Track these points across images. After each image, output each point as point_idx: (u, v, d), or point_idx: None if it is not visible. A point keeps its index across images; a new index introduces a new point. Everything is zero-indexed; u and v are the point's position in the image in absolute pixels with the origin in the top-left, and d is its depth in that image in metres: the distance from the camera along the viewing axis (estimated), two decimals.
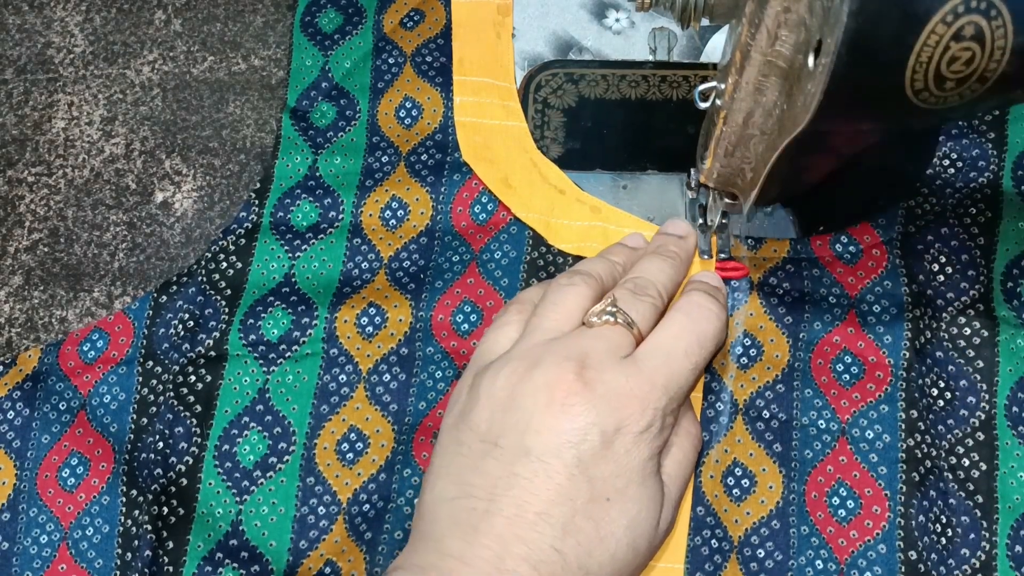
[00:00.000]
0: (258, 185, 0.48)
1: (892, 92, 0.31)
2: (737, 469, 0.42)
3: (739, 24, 0.36)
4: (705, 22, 0.38)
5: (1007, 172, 0.45)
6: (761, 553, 0.41)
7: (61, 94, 0.52)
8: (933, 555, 0.40)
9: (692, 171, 0.45)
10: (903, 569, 0.40)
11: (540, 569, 0.35)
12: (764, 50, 0.34)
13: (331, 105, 0.49)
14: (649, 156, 0.49)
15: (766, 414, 0.43)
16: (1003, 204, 0.44)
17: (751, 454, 0.42)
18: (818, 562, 0.41)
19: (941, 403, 0.42)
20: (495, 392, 0.38)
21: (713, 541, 0.42)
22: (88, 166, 0.51)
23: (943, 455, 0.41)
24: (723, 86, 0.38)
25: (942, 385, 0.42)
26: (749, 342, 0.44)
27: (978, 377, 0.42)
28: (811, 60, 0.31)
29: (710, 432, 0.43)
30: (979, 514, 0.40)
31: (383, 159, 0.48)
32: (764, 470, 0.42)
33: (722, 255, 0.45)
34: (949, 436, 0.41)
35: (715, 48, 0.51)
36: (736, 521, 0.42)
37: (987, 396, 0.41)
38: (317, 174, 0.48)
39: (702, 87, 0.39)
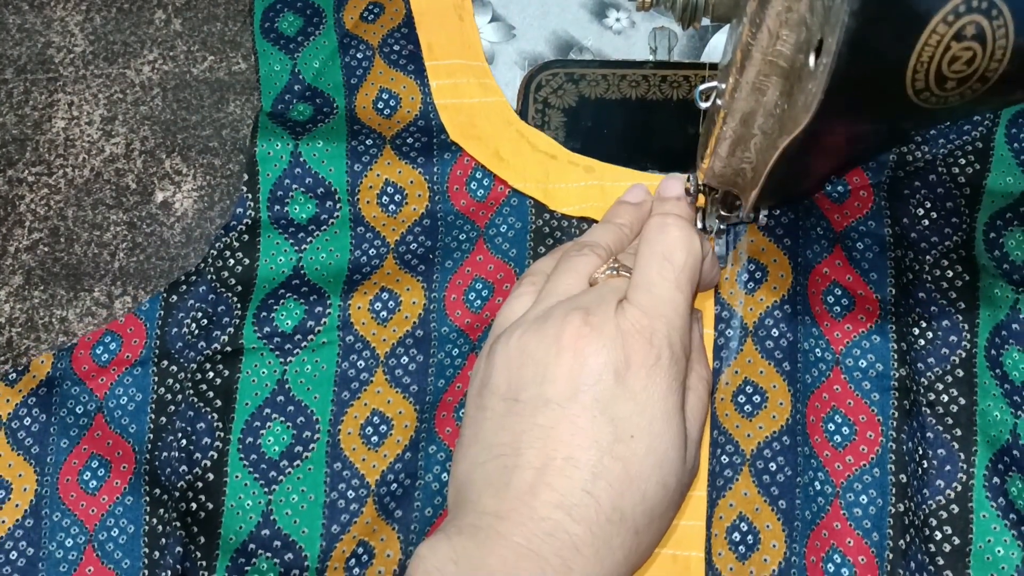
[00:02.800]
0: (246, 177, 0.48)
1: (893, 92, 0.31)
2: (748, 387, 0.44)
3: (740, 24, 0.36)
4: (706, 22, 0.38)
5: (1000, 129, 0.45)
6: (773, 467, 0.43)
7: (61, 94, 0.52)
8: (915, 481, 0.41)
9: (690, 176, 0.45)
10: (894, 491, 0.41)
11: (573, 513, 0.35)
12: (765, 50, 0.34)
13: (307, 105, 0.49)
14: (649, 156, 0.49)
15: (775, 332, 0.44)
16: (992, 159, 0.45)
17: (761, 372, 0.44)
18: (816, 484, 0.42)
19: (922, 341, 0.43)
20: (510, 352, 0.38)
21: (724, 457, 0.43)
22: (88, 166, 0.51)
23: (922, 390, 0.42)
24: (724, 86, 0.38)
25: (924, 324, 0.43)
26: (754, 266, 0.45)
27: (960, 318, 0.43)
28: (812, 60, 0.31)
29: (720, 359, 0.44)
30: (956, 447, 0.41)
31: (367, 142, 0.49)
32: (775, 387, 0.43)
33: (720, 263, 0.45)
34: (929, 373, 0.43)
35: (715, 48, 0.51)
36: (748, 435, 0.43)
37: (968, 336, 0.43)
38: (301, 159, 0.48)
39: (703, 87, 0.39)
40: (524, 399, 0.37)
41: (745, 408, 0.43)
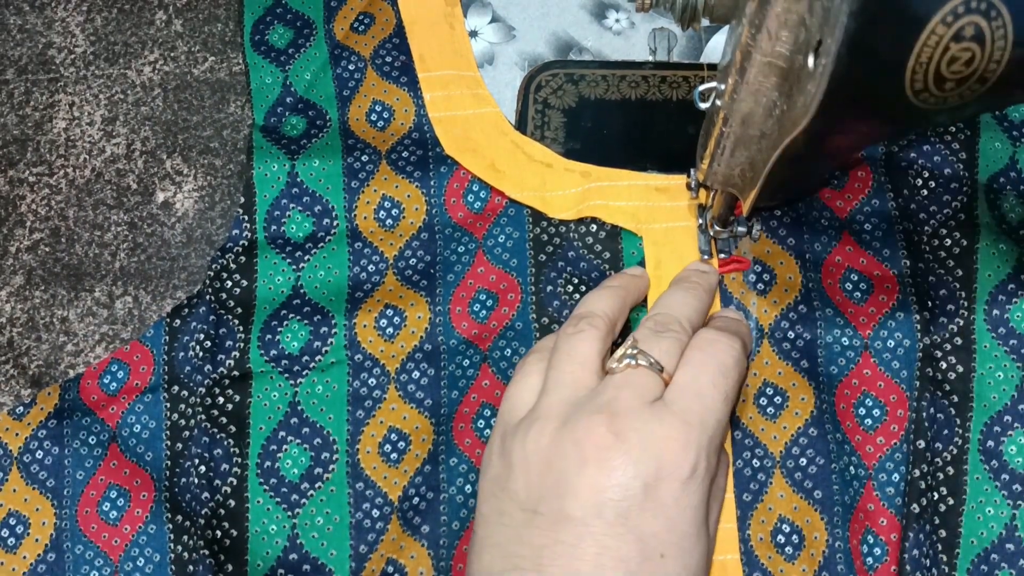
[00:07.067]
0: (242, 200, 0.48)
1: (892, 93, 0.31)
2: (768, 389, 0.44)
3: (739, 25, 0.36)
4: (705, 23, 0.39)
5: None
6: (803, 461, 0.43)
7: (62, 94, 0.52)
8: (930, 445, 0.42)
9: (692, 171, 0.46)
10: (912, 459, 0.42)
11: None
12: (764, 50, 0.34)
13: (300, 117, 0.49)
14: (649, 156, 0.49)
15: (791, 335, 0.44)
16: (980, 124, 0.46)
17: (780, 373, 0.44)
18: (851, 468, 0.43)
19: (929, 306, 0.44)
20: (528, 456, 0.37)
21: (755, 461, 0.43)
22: (89, 166, 0.51)
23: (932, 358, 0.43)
24: (723, 86, 0.38)
25: (931, 294, 0.44)
26: (760, 268, 0.45)
27: (957, 285, 0.43)
28: (811, 60, 0.31)
29: None
30: (953, 412, 0.42)
31: (363, 158, 0.48)
32: (794, 385, 0.44)
33: (722, 255, 0.45)
34: (932, 340, 0.43)
35: (715, 49, 0.52)
36: (775, 437, 0.43)
37: (966, 303, 0.43)
38: (299, 179, 0.48)
39: (702, 87, 0.39)
40: (544, 511, 0.35)
41: (768, 410, 0.43)
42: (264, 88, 0.50)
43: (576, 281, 0.46)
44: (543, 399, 0.38)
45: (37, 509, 0.45)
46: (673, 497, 0.35)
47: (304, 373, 0.45)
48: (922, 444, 0.42)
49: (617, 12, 0.52)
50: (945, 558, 0.41)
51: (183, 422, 0.45)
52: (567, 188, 0.47)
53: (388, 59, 0.50)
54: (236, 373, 0.45)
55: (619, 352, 0.39)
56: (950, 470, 0.41)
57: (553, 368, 0.39)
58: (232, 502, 0.44)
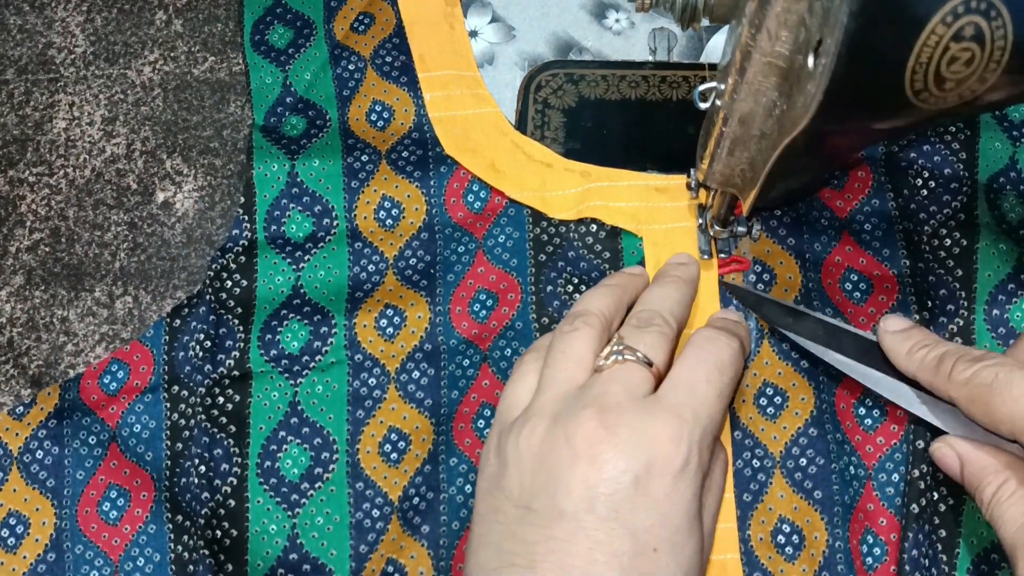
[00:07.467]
0: (242, 200, 0.48)
1: (892, 93, 0.31)
2: (768, 389, 0.44)
3: (739, 24, 0.36)
4: (705, 23, 0.39)
5: None
6: (803, 462, 0.43)
7: (62, 94, 0.52)
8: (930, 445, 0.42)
9: (692, 171, 0.46)
10: (911, 459, 0.42)
11: None
12: (764, 50, 0.34)
13: (300, 117, 0.49)
14: (649, 156, 0.49)
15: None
16: (980, 124, 0.46)
17: (780, 373, 0.44)
18: (851, 468, 0.42)
19: (925, 314, 0.44)
20: (521, 454, 0.37)
21: (755, 461, 0.43)
22: (89, 166, 0.51)
23: None
24: (723, 86, 0.38)
25: (931, 294, 0.44)
26: (760, 268, 0.45)
27: (957, 285, 0.43)
28: (811, 60, 0.31)
29: None
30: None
31: (363, 158, 0.48)
32: (794, 385, 0.44)
33: (722, 255, 0.45)
34: None
35: (715, 48, 0.52)
36: (775, 438, 0.43)
37: (966, 303, 0.43)
38: (299, 179, 0.48)
39: (702, 87, 0.39)
40: (537, 508, 0.35)
41: (768, 411, 0.43)
42: (264, 88, 0.50)
43: (576, 281, 0.46)
44: (537, 397, 0.39)
45: (37, 509, 0.45)
46: (665, 491, 0.35)
47: (304, 373, 0.45)
48: (922, 444, 0.42)
49: (617, 12, 0.52)
50: (945, 558, 0.41)
51: (183, 422, 0.45)
52: (567, 188, 0.47)
53: (388, 59, 0.50)
54: (236, 373, 0.45)
55: (606, 350, 0.39)
56: None
57: (548, 366, 0.39)
58: (232, 502, 0.44)
